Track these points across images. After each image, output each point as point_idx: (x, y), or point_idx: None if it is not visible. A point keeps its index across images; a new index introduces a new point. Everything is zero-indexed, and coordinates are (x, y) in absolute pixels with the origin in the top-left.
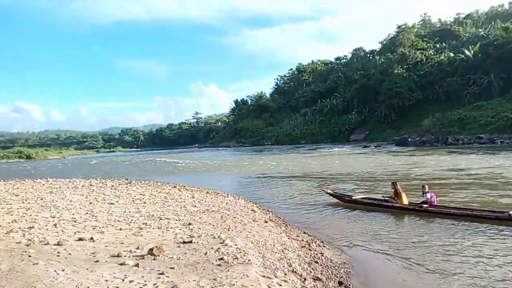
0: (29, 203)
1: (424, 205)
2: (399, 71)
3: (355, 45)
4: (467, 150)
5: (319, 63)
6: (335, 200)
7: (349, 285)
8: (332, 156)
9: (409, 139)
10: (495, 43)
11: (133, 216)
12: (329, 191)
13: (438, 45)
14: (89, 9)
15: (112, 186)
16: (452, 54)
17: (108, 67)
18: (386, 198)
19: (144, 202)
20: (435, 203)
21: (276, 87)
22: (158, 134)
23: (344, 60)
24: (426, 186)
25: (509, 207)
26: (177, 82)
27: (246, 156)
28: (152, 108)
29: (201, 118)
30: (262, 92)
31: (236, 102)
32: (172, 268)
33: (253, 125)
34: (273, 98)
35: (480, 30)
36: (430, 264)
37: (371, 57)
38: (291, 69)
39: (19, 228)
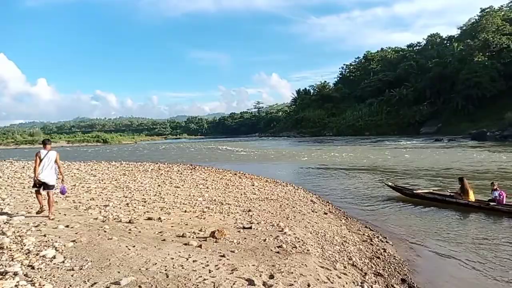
0: (104, 183)
1: (492, 203)
2: (480, 59)
3: (430, 32)
4: None
5: (389, 50)
6: (397, 194)
7: (413, 283)
8: (398, 150)
9: (488, 133)
10: None
11: (196, 200)
12: (390, 183)
13: None
14: (162, 1)
15: (178, 171)
16: None
17: (177, 58)
18: (452, 194)
19: (207, 187)
20: (504, 202)
21: (340, 76)
22: (221, 123)
23: (417, 48)
24: (496, 183)
25: None
26: (241, 72)
27: (307, 146)
28: (216, 98)
29: (262, 107)
30: (325, 81)
31: (298, 91)
32: (233, 251)
33: (315, 115)
34: (337, 87)
35: None
36: (497, 266)
37: (448, 44)
38: (358, 58)
39: (96, 205)
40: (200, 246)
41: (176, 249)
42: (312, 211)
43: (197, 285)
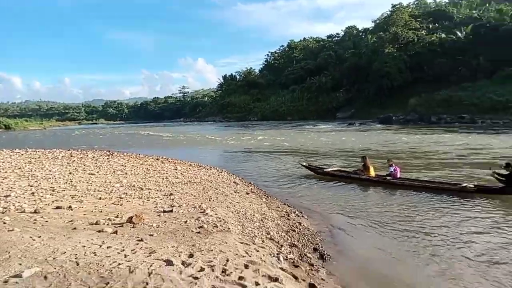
0: (6, 172)
1: (388, 178)
2: (390, 51)
3: (349, 24)
4: (442, 129)
5: (311, 40)
6: (311, 173)
7: (323, 251)
8: (317, 133)
9: (393, 118)
10: (488, 25)
11: (113, 187)
12: (304, 163)
13: (431, 26)
14: None
15: (93, 157)
16: (444, 35)
17: (93, 38)
18: (356, 171)
19: (126, 173)
20: (398, 176)
21: (265, 63)
22: (143, 108)
23: (336, 38)
24: (391, 160)
25: (460, 179)
26: (165, 55)
27: (232, 130)
28: (138, 82)
29: (187, 92)
30: (251, 68)
31: (224, 77)
32: (151, 235)
33: (240, 100)
34: (262, 74)
35: (474, 11)
36: (395, 230)
37: (363, 36)
38: (282, 46)
39: None
40: (115, 232)
41: (88, 237)
42: (235, 192)
43: (111, 270)
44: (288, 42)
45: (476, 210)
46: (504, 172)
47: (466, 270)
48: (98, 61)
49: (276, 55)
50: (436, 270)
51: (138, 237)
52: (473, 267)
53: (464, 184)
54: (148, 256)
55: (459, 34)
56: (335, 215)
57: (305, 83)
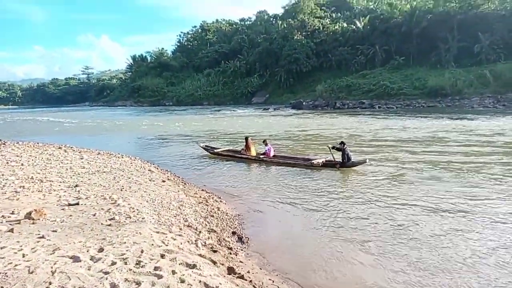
0: None
1: (261, 156)
2: (298, 38)
3: (259, 8)
4: (346, 113)
5: (224, 23)
6: (206, 153)
7: (242, 234)
8: (233, 118)
9: (304, 103)
10: (381, 17)
11: (7, 180)
12: (202, 144)
13: (334, 15)
14: None
15: None
16: (345, 25)
17: None
18: (240, 150)
19: (22, 164)
20: (271, 155)
21: (178, 44)
22: (40, 90)
23: (248, 22)
24: (267, 141)
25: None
26: (63, 31)
27: (145, 116)
28: (32, 60)
29: (92, 73)
30: (163, 49)
31: (134, 58)
32: (55, 231)
33: (153, 83)
34: (175, 56)
35: (371, 3)
36: (294, 203)
37: (274, 22)
38: (195, 27)
39: None
40: (11, 230)
41: None
42: (150, 180)
43: (6, 274)
44: (201, 23)
45: (329, 179)
46: (338, 146)
47: (346, 226)
48: None
49: (189, 36)
50: (325, 235)
51: (39, 234)
52: (347, 225)
53: (316, 161)
54: (51, 254)
55: (358, 24)
56: (249, 197)
57: (220, 67)
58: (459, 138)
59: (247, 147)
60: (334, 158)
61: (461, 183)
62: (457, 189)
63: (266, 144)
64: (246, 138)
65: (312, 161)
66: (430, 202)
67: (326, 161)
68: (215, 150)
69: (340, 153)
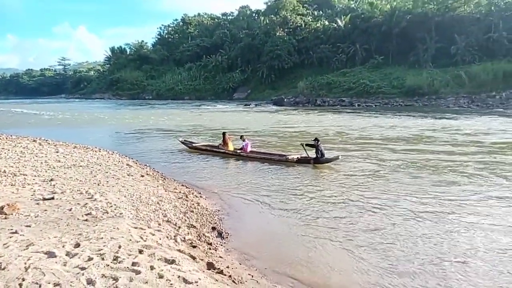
0: None
1: (239, 151)
2: (280, 34)
3: (242, 3)
4: (326, 110)
5: (206, 16)
6: (185, 147)
7: (222, 229)
8: (214, 113)
9: (285, 100)
10: (362, 16)
11: None
12: (181, 139)
13: (316, 13)
14: None
15: None
16: (327, 23)
17: None
18: (218, 145)
19: None
20: (248, 150)
21: (159, 37)
22: (14, 81)
23: (230, 17)
24: (244, 136)
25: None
26: (38, 20)
27: (124, 109)
28: (5, 49)
29: (69, 65)
30: (143, 41)
31: (112, 49)
32: (29, 226)
33: (132, 76)
34: (156, 49)
35: (352, 2)
36: (271, 197)
37: (256, 17)
38: (176, 20)
39: None
40: None
41: None
42: (128, 175)
43: None
44: (182, 16)
45: (305, 175)
46: (312, 143)
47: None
48: None
49: (170, 29)
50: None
51: (11, 229)
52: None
53: (291, 156)
54: (24, 250)
55: (340, 22)
56: (229, 193)
57: (201, 61)
58: (439, 136)
59: (225, 142)
60: (308, 154)
61: (435, 181)
62: (430, 186)
63: (243, 140)
64: (224, 133)
65: (287, 157)
66: (405, 199)
67: (300, 157)
68: (194, 145)
69: (314, 149)
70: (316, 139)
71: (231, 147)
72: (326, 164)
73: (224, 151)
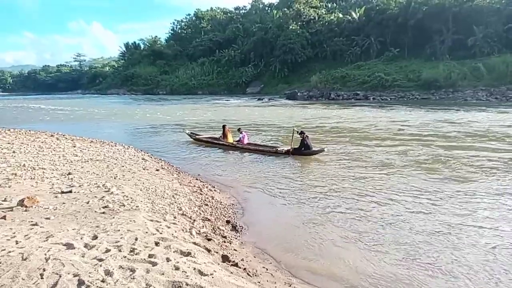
0: None
1: (235, 143)
2: (293, 27)
3: None
4: (340, 104)
5: (218, 11)
6: (190, 139)
7: (236, 223)
8: (228, 108)
9: (299, 94)
10: (377, 8)
11: None
12: (187, 131)
13: (329, 5)
14: None
15: None
16: (341, 15)
17: None
18: (219, 138)
19: (13, 152)
20: (245, 142)
21: (172, 32)
22: (32, 77)
23: (243, 11)
24: (241, 129)
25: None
26: (54, 17)
27: (138, 104)
28: (22, 46)
29: (84, 61)
30: (156, 36)
31: (126, 45)
32: (48, 218)
33: (146, 72)
34: (169, 44)
35: None
36: (281, 189)
37: (269, 11)
38: (189, 14)
39: None
40: (4, 217)
41: None
42: (144, 169)
43: None
44: (195, 11)
45: (315, 168)
46: (299, 137)
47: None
48: None
49: (183, 24)
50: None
51: (32, 221)
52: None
53: (281, 148)
54: (44, 241)
55: (354, 15)
56: (242, 187)
57: (214, 56)
58: (455, 131)
59: (224, 134)
60: (292, 142)
61: (455, 177)
62: (441, 182)
63: (240, 132)
64: (224, 126)
65: (277, 149)
66: (422, 195)
67: (292, 149)
68: (197, 137)
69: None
70: (302, 132)
71: (230, 139)
72: (313, 156)
73: (223, 143)
